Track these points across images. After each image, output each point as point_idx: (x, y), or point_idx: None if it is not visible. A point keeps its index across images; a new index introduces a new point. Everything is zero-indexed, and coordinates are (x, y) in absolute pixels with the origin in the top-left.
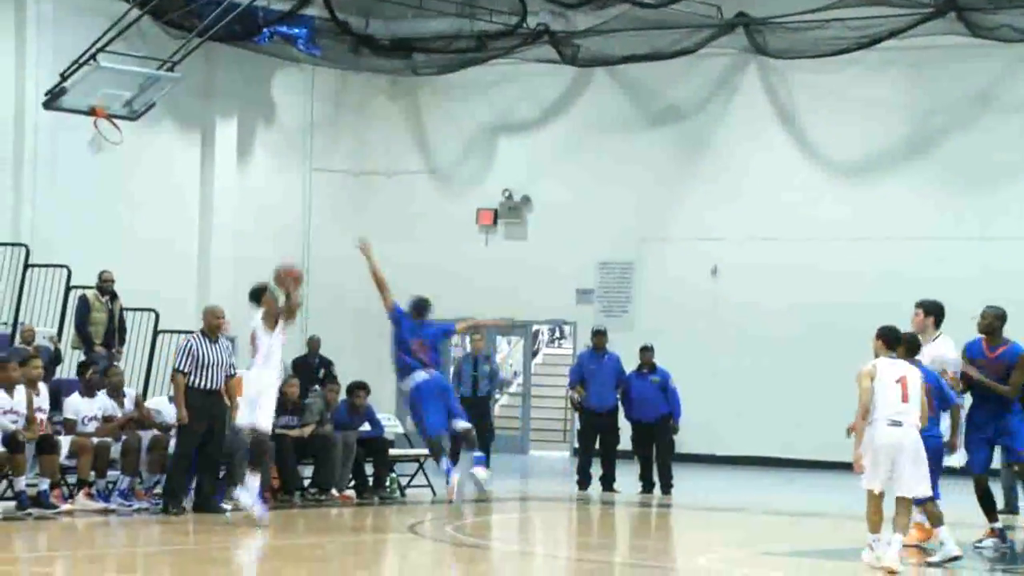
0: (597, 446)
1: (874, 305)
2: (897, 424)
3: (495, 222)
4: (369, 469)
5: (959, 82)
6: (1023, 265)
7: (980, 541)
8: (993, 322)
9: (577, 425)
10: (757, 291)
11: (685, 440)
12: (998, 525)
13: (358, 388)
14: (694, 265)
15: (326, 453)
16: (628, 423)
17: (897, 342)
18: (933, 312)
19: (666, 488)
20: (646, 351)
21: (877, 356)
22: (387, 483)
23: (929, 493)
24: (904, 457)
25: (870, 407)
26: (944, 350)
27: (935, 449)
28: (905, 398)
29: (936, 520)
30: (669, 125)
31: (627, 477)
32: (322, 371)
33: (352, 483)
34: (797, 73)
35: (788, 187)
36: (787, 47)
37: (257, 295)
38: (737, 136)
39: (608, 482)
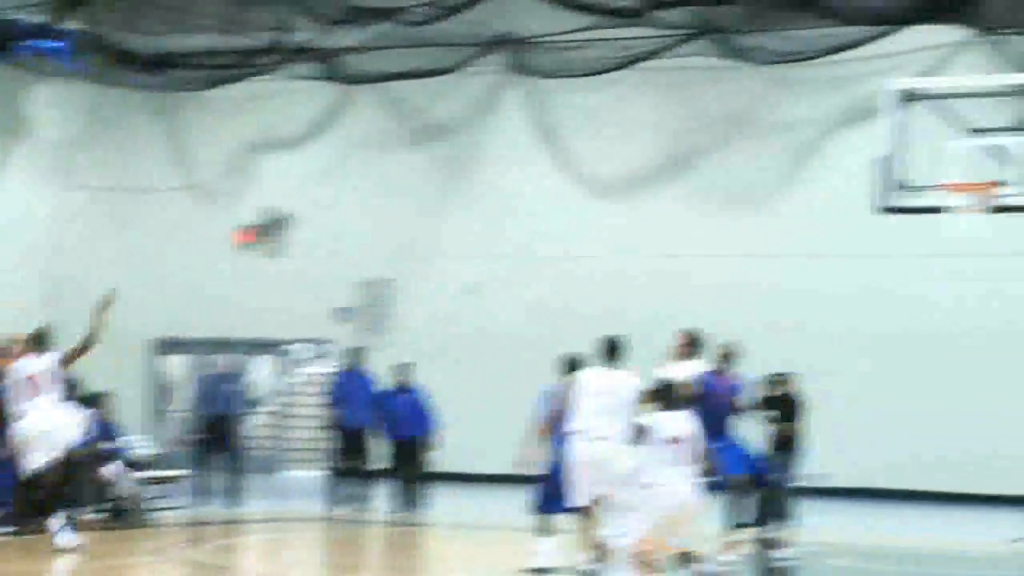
0: (353, 465)
1: (636, 322)
2: (597, 439)
3: (255, 240)
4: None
5: (717, 102)
6: (783, 282)
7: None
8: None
9: (332, 444)
10: (517, 311)
11: (441, 458)
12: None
13: (98, 399)
14: (454, 284)
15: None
16: (384, 442)
17: (612, 353)
18: (694, 343)
19: (421, 507)
20: (403, 369)
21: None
22: (132, 506)
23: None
24: (604, 470)
25: (566, 418)
26: (685, 372)
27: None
28: (605, 411)
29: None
30: (433, 143)
31: (383, 496)
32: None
33: (96, 506)
34: (559, 93)
35: (550, 206)
36: (549, 67)
37: (42, 339)
38: (501, 155)
39: (362, 501)
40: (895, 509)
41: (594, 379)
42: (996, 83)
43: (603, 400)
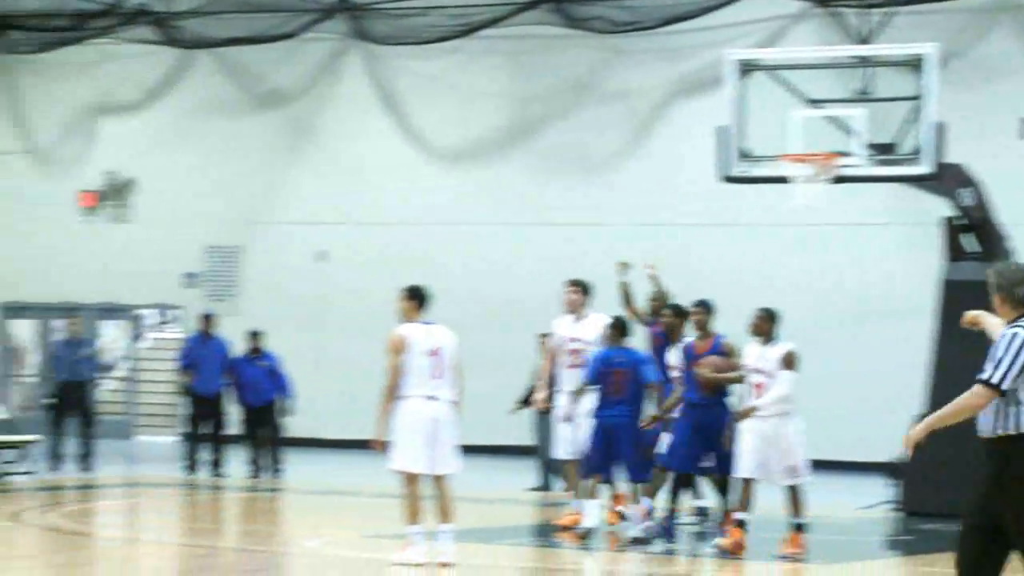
0: (206, 430)
1: (478, 290)
2: (432, 399)
3: (98, 204)
4: None
5: (557, 71)
6: (625, 250)
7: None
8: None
9: (185, 410)
10: (364, 277)
11: (294, 424)
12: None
13: None
14: (301, 250)
15: None
16: (237, 407)
17: (424, 302)
18: (587, 291)
19: (276, 471)
20: (255, 336)
21: (407, 320)
22: None
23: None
24: (442, 433)
25: (399, 382)
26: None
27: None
28: (439, 372)
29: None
30: (274, 109)
31: (237, 461)
32: None
33: None
34: (399, 59)
35: (392, 173)
36: (388, 33)
37: None
38: (342, 121)
39: (217, 466)
40: None
41: (421, 337)
42: (833, 54)
43: (428, 360)
